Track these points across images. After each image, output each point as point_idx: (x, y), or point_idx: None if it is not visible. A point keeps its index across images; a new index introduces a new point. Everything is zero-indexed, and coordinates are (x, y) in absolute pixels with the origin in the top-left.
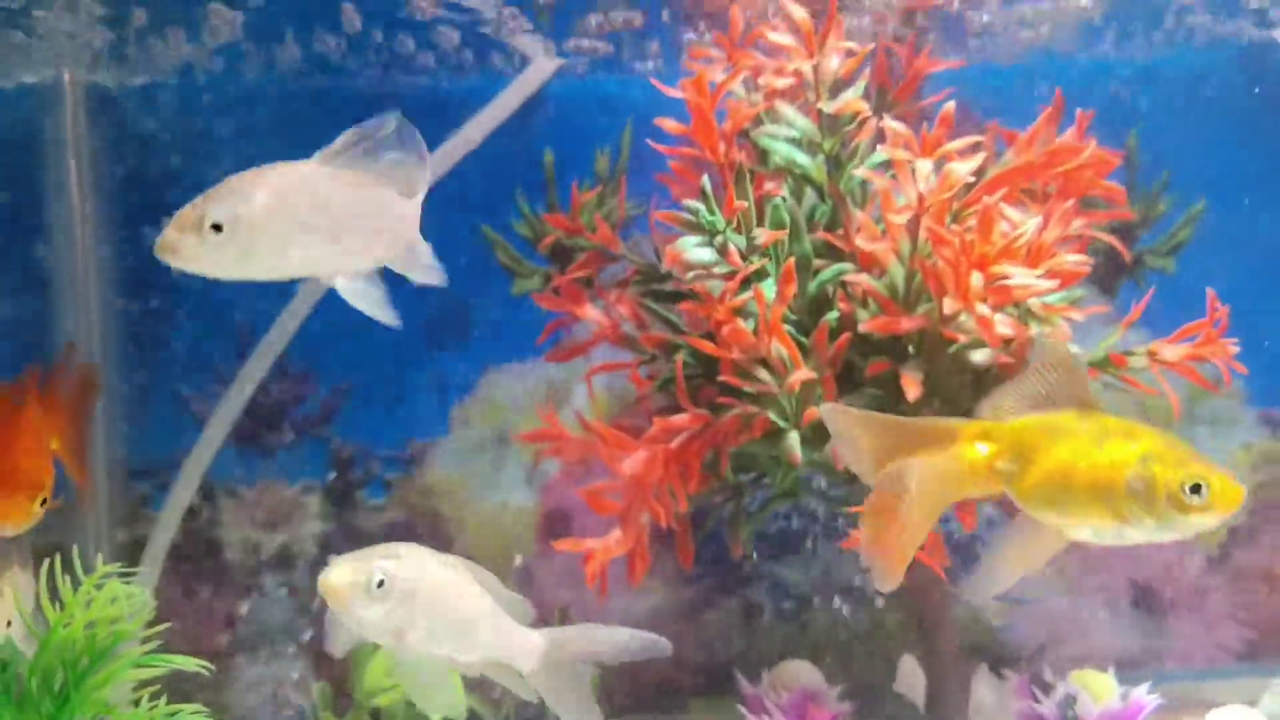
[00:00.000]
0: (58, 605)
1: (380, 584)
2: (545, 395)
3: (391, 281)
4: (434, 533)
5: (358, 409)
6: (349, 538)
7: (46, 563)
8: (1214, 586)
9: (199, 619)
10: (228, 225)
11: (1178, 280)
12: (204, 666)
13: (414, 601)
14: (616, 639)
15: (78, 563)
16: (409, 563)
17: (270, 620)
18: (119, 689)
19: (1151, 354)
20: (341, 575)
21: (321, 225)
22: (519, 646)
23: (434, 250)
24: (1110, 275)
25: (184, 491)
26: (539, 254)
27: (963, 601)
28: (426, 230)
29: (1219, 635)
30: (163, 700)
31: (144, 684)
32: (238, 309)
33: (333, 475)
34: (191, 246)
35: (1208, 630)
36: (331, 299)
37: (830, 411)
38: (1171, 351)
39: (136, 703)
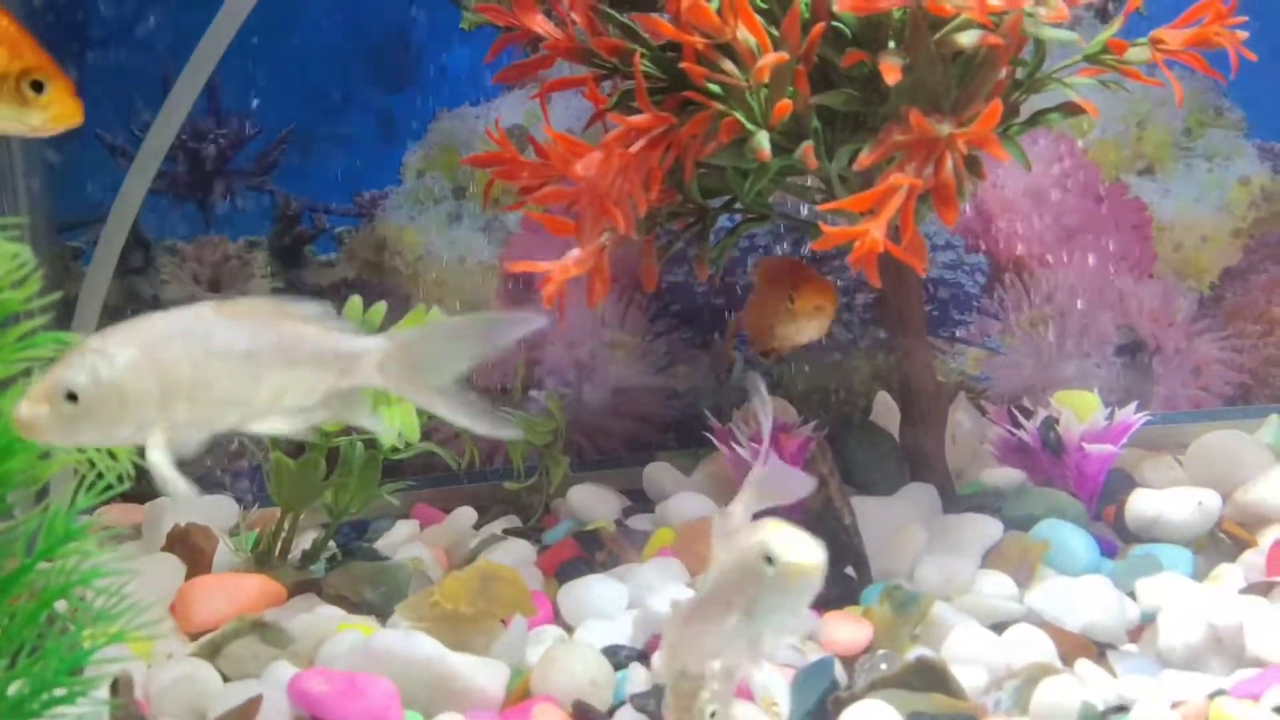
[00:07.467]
0: None
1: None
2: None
3: (327, 10)
4: (390, 290)
5: (300, 158)
6: (300, 295)
7: None
8: (1204, 329)
9: None
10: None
11: None
12: None
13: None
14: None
15: None
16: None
17: None
18: None
19: (1154, 41)
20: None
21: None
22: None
23: None
24: None
25: (113, 243)
26: None
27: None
28: None
29: (1206, 379)
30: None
31: None
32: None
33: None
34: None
35: (1195, 374)
36: (260, 30)
37: None
38: (1175, 37)
39: None
